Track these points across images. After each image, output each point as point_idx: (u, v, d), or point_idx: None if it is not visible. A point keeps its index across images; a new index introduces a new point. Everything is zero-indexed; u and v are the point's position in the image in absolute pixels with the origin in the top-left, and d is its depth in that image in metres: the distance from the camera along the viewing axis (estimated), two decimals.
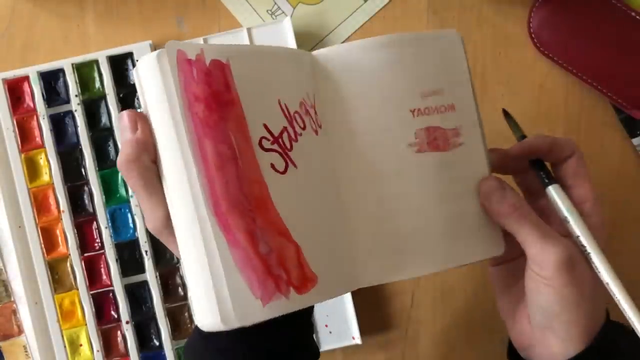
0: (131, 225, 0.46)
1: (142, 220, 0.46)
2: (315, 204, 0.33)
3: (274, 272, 0.30)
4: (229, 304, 0.28)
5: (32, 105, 0.46)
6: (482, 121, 0.35)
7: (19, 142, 0.46)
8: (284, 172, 0.32)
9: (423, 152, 0.34)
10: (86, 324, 0.46)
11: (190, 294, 0.29)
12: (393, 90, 0.34)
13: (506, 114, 0.37)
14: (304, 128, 0.33)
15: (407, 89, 0.34)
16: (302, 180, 0.32)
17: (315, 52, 0.34)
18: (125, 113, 0.31)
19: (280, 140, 0.32)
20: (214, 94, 0.30)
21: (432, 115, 0.34)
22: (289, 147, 0.32)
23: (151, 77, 0.30)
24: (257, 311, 0.29)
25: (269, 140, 0.31)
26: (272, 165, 0.31)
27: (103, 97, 0.46)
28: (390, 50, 0.34)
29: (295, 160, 0.32)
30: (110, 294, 0.46)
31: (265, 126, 0.31)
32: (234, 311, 0.28)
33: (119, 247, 0.46)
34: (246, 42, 0.47)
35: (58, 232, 0.46)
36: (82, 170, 0.46)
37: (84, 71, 0.46)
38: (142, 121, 0.31)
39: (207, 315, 0.29)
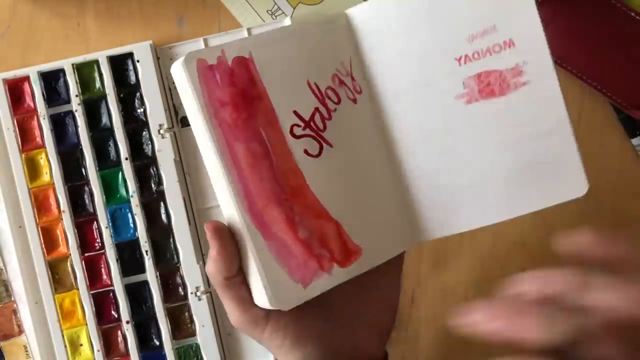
0: (131, 225, 0.46)
1: (142, 220, 0.46)
2: (356, 175, 0.33)
3: (316, 253, 0.32)
4: (269, 292, 0.31)
5: (32, 105, 0.46)
6: (550, 49, 0.30)
7: (20, 142, 0.46)
8: (318, 155, 0.32)
9: (474, 103, 0.31)
10: (86, 324, 0.46)
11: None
12: (433, 40, 0.31)
13: None
14: (338, 102, 0.32)
15: (449, 35, 0.31)
16: (340, 155, 0.32)
17: (349, 11, 0.33)
18: (206, 226, 0.32)
19: (312, 123, 0.32)
20: (240, 92, 0.31)
21: (484, 59, 0.31)
22: (322, 127, 0.32)
23: (181, 86, 0.31)
24: (299, 293, 0.31)
25: (300, 126, 0.32)
26: (306, 151, 0.32)
27: (103, 97, 0.46)
28: None
29: (330, 140, 0.32)
30: (111, 294, 0.46)
31: (296, 112, 0.32)
32: (274, 297, 0.31)
33: (120, 247, 0.46)
34: None
35: (58, 232, 0.47)
36: (83, 170, 0.47)
37: (85, 71, 0.46)
38: (217, 236, 0.32)
39: (258, 298, 0.32)
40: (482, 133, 0.32)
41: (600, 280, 0.26)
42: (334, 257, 0.32)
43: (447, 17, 0.31)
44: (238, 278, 0.32)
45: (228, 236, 0.32)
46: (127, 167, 0.46)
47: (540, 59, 0.31)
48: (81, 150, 0.46)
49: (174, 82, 0.47)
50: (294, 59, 0.32)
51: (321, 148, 0.32)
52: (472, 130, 0.32)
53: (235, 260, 0.32)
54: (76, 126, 0.46)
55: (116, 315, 0.46)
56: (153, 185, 0.47)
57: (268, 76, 0.31)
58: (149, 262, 0.46)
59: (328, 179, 0.32)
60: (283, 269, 0.31)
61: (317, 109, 0.32)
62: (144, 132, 0.46)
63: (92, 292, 0.46)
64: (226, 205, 0.31)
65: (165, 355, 0.46)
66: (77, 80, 0.46)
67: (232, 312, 0.33)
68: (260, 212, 0.31)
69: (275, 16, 0.48)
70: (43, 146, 0.46)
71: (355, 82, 0.33)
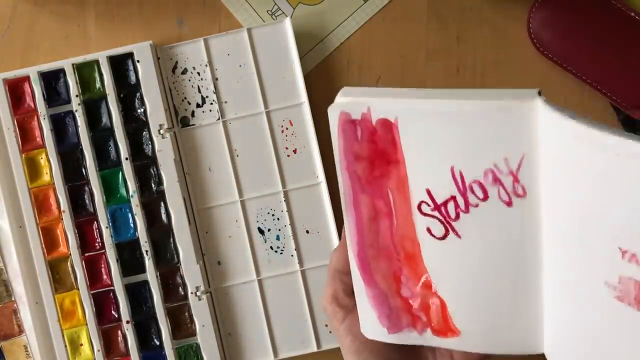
0: (131, 225, 0.46)
1: (142, 220, 0.46)
2: (482, 270, 0.31)
3: (414, 313, 0.33)
4: (362, 323, 0.35)
5: (32, 105, 0.46)
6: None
7: (20, 142, 0.46)
8: (442, 238, 0.31)
9: (624, 304, 0.26)
10: (87, 324, 0.46)
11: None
12: (607, 211, 0.25)
13: None
14: (483, 199, 0.29)
15: (624, 218, 0.25)
16: (467, 249, 0.31)
17: (547, 104, 0.26)
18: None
19: (443, 208, 0.31)
20: (379, 152, 0.31)
21: None
22: (453, 216, 0.30)
23: (331, 128, 0.32)
24: (383, 335, 0.34)
25: (429, 205, 0.31)
26: (429, 230, 0.32)
27: (104, 97, 0.46)
28: None
29: (460, 231, 0.30)
30: (111, 294, 0.46)
31: (429, 192, 0.31)
32: (364, 329, 0.35)
33: (120, 247, 0.46)
34: (246, 42, 0.47)
35: (59, 231, 0.47)
36: (83, 170, 0.47)
37: (85, 71, 0.47)
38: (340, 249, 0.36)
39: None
40: (623, 337, 0.27)
41: None
42: (430, 324, 0.33)
43: (633, 200, 0.24)
44: (346, 278, 0.36)
45: None
46: (127, 167, 0.46)
47: None
48: (81, 150, 0.46)
49: (174, 82, 0.47)
50: (443, 141, 0.29)
51: (446, 234, 0.31)
52: (612, 326, 0.27)
53: None
54: (76, 126, 0.46)
55: (116, 315, 0.46)
56: (153, 185, 0.47)
57: (409, 147, 0.30)
58: (149, 262, 0.46)
59: (446, 262, 0.32)
60: (374, 312, 0.34)
61: (453, 197, 0.30)
62: (144, 132, 0.47)
63: (92, 292, 0.46)
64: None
65: (165, 355, 0.46)
66: (77, 80, 0.46)
67: (326, 295, 0.37)
68: (368, 260, 0.33)
69: (276, 16, 0.48)
70: (43, 146, 0.46)
71: (518, 184, 0.28)
